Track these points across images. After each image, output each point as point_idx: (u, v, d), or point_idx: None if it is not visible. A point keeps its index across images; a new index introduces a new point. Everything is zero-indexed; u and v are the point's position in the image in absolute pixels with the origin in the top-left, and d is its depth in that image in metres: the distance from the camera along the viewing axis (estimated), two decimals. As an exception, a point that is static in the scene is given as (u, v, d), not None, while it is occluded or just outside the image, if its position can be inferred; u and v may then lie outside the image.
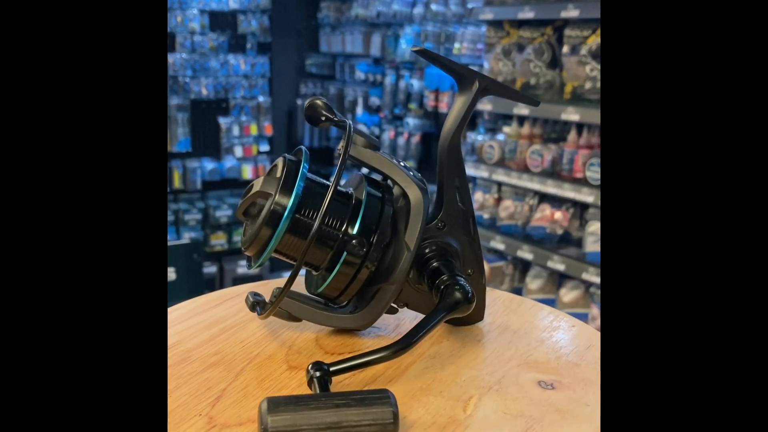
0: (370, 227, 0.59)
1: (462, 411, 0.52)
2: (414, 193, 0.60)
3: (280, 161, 0.59)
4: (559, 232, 2.39)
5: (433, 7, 3.27)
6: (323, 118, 0.60)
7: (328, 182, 0.61)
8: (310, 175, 0.60)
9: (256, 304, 0.61)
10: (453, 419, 0.51)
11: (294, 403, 0.46)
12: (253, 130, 3.84)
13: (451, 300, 0.58)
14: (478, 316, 0.66)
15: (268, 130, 3.89)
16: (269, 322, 0.65)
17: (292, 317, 0.60)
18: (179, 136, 3.63)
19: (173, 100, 3.59)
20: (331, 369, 0.51)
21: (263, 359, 0.59)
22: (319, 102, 0.60)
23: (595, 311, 2.28)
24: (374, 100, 3.69)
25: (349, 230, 0.59)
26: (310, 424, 0.45)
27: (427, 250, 0.62)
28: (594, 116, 2.13)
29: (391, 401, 0.47)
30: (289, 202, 0.56)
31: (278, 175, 0.58)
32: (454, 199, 0.62)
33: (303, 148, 0.61)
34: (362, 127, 3.74)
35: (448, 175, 0.62)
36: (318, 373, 0.51)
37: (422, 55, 0.61)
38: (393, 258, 0.59)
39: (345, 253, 0.58)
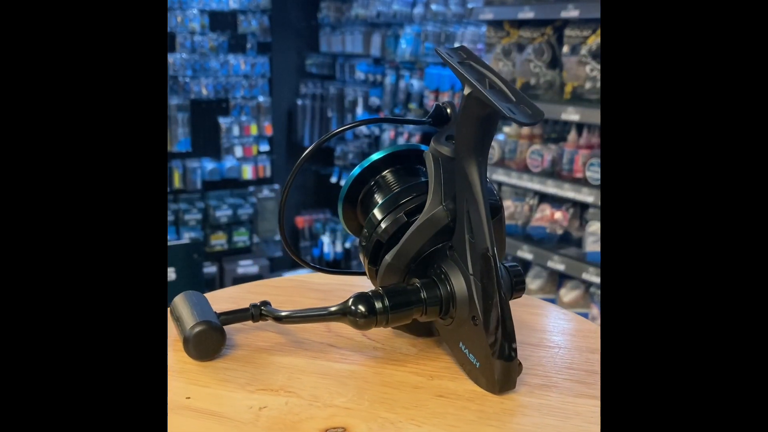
0: (374, 222, 0.60)
1: (254, 414, 0.51)
2: (427, 210, 0.56)
3: None
4: (559, 232, 2.39)
5: (433, 7, 3.26)
6: (429, 119, 0.60)
7: (409, 175, 0.62)
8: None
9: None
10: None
11: (194, 297, 0.63)
12: (253, 130, 3.84)
13: (350, 304, 0.56)
14: (483, 381, 0.54)
15: (268, 130, 3.89)
16: None
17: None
18: (179, 136, 3.62)
19: (173, 100, 3.59)
20: (263, 309, 0.62)
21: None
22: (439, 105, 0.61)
23: (595, 311, 2.28)
24: (374, 100, 3.68)
25: (374, 215, 0.60)
26: (176, 304, 0.63)
27: (430, 271, 0.57)
28: (594, 116, 2.13)
29: (200, 330, 0.57)
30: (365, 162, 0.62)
31: None
32: (462, 225, 0.54)
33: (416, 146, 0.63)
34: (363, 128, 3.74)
35: (458, 195, 0.55)
36: (253, 309, 0.62)
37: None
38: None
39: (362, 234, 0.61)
